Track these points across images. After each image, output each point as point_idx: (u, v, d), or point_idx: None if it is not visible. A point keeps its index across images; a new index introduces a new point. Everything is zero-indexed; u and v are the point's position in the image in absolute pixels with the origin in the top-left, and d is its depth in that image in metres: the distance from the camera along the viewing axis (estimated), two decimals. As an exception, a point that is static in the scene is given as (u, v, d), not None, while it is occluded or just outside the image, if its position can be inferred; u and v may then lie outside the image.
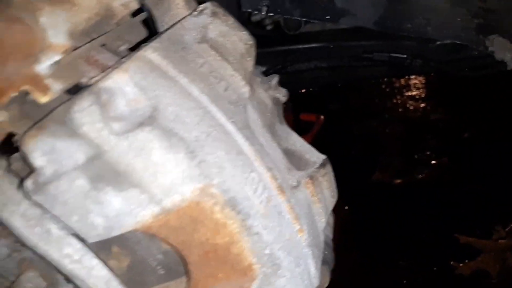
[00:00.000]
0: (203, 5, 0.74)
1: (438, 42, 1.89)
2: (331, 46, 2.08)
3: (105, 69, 0.58)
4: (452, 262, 2.60)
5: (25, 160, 0.50)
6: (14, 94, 0.51)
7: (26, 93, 0.51)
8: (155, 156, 0.48)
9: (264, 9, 1.58)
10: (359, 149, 3.46)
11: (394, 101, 3.94)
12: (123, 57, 0.61)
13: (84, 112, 0.46)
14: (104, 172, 0.48)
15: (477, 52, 1.75)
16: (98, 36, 0.59)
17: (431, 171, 3.34)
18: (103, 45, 0.63)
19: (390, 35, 1.91)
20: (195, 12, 0.72)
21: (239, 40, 0.72)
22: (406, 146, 3.53)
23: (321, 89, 2.50)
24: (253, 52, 0.74)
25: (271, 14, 1.60)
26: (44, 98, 0.51)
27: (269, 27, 2.17)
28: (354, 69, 2.14)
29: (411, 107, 3.88)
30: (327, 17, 1.58)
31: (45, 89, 0.51)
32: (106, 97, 0.47)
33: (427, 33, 1.57)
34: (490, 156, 3.25)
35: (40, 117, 0.53)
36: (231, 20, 0.74)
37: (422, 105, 3.90)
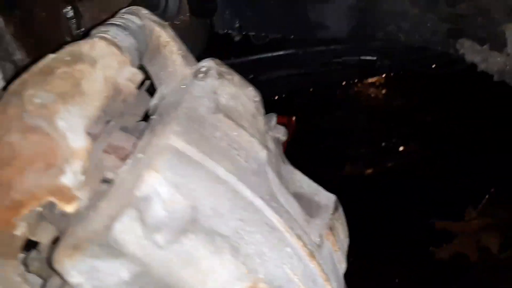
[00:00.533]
0: (205, 65, 0.71)
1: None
2: (300, 53, 2.07)
3: (125, 156, 0.55)
4: (431, 248, 2.66)
5: (58, 275, 0.47)
6: (36, 206, 0.47)
7: (50, 204, 0.47)
8: (203, 263, 0.46)
9: (237, 29, 1.56)
10: (327, 143, 3.49)
11: (356, 89, 3.98)
12: (138, 136, 0.58)
13: (126, 231, 0.43)
14: (151, 285, 0.45)
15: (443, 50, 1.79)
16: (113, 123, 0.56)
17: (399, 158, 3.41)
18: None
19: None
20: (200, 75, 0.69)
21: (248, 99, 0.70)
22: (372, 135, 3.59)
23: (293, 95, 2.51)
24: (261, 108, 0.72)
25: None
26: (71, 208, 0.47)
27: (237, 38, 2.14)
28: (324, 73, 2.15)
29: (373, 95, 3.94)
30: (301, 32, 1.58)
31: (71, 199, 0.47)
32: (143, 205, 0.44)
33: (399, 39, 1.60)
34: (455, 137, 3.35)
35: (63, 223, 0.50)
36: (236, 77, 0.72)
37: (384, 91, 3.96)
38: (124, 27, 0.67)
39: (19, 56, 0.93)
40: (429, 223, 2.80)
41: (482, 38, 1.54)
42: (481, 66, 1.59)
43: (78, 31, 1.07)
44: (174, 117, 0.57)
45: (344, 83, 2.36)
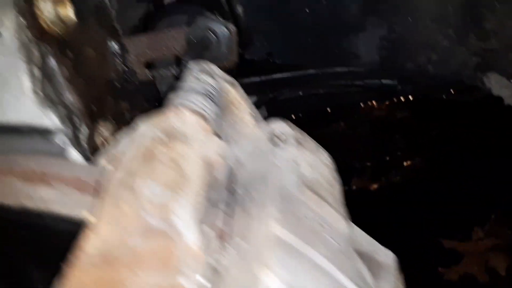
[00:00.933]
0: (282, 130, 0.70)
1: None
2: (320, 73, 2.07)
3: (219, 234, 0.54)
4: (440, 269, 2.67)
5: None
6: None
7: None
8: None
9: (268, 57, 1.56)
10: (332, 156, 3.48)
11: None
12: (226, 212, 0.57)
13: None
14: None
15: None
16: (208, 205, 0.55)
17: (405, 173, 3.42)
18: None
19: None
20: (279, 142, 0.68)
21: (324, 165, 0.70)
22: (376, 148, 3.59)
23: (310, 115, 2.51)
24: (336, 175, 0.72)
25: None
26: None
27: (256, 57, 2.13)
28: (343, 95, 2.15)
29: (376, 106, 3.94)
30: (333, 62, 1.58)
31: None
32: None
33: (428, 71, 1.60)
34: (461, 153, 3.36)
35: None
36: (310, 142, 0.71)
37: (387, 103, 3.96)
38: (205, 93, 0.66)
39: (71, 98, 0.92)
40: (437, 241, 2.81)
41: (511, 73, 1.55)
42: (508, 101, 1.61)
43: (125, 68, 1.06)
44: (269, 197, 0.56)
45: (363, 105, 2.37)
